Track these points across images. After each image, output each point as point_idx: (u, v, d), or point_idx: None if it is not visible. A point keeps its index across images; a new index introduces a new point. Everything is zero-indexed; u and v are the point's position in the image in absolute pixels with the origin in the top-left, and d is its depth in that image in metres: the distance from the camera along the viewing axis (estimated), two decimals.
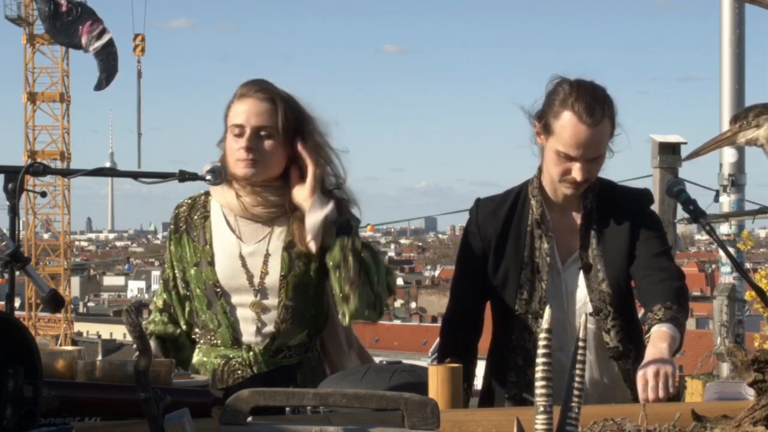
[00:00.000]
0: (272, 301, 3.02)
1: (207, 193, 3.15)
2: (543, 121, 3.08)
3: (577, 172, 3.05)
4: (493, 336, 3.21)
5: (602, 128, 3.04)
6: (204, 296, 3.05)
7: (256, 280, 3.02)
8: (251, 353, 3.01)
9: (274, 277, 3.01)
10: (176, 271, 3.13)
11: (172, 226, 3.17)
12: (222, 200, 3.09)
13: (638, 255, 3.10)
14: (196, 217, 3.13)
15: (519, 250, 3.13)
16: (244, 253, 3.04)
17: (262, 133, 3.00)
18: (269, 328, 3.02)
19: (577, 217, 3.15)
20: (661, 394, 2.66)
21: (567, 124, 3.02)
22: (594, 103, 3.03)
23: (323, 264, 3.01)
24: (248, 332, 3.03)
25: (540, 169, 3.18)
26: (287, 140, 3.01)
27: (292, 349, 3.04)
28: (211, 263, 3.05)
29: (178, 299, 3.13)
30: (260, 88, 3.05)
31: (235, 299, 3.03)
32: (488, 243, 3.16)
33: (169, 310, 3.15)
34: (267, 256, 3.03)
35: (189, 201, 3.18)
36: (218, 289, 3.03)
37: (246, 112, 3.01)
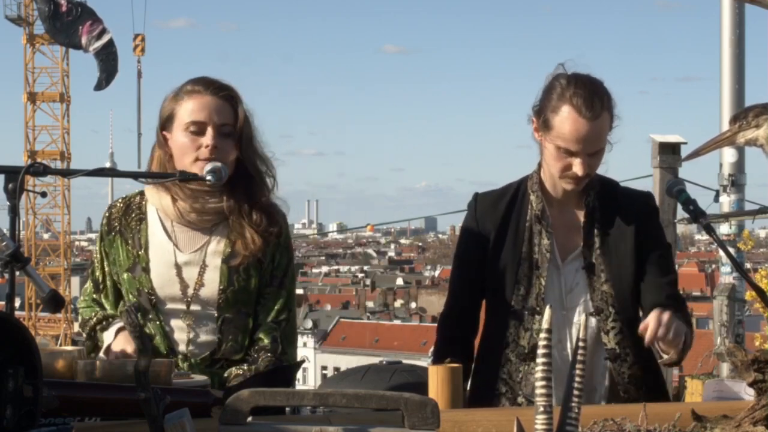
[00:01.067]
0: (207, 312, 2.94)
1: (142, 194, 3.07)
2: (541, 117, 3.06)
3: (578, 167, 3.03)
4: (486, 331, 3.19)
5: (602, 121, 3.02)
6: (137, 303, 2.96)
7: (190, 291, 2.93)
8: (186, 363, 2.92)
9: (210, 290, 2.93)
10: (107, 275, 3.03)
11: (104, 228, 3.06)
12: (157, 204, 3.01)
13: (646, 283, 3.11)
14: (131, 218, 3.02)
15: (517, 245, 3.11)
16: (180, 262, 2.95)
17: (224, 131, 2.94)
18: (203, 338, 2.94)
19: (577, 215, 3.14)
20: (661, 332, 2.80)
21: (566, 118, 3.00)
22: (592, 96, 3.02)
23: (262, 278, 2.97)
24: (182, 342, 2.94)
25: (539, 165, 3.17)
26: (239, 143, 2.95)
27: (231, 361, 2.95)
28: (146, 270, 2.96)
29: (108, 302, 3.02)
30: (219, 85, 2.98)
31: (168, 308, 2.95)
32: (487, 237, 3.13)
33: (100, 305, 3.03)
34: (204, 267, 2.94)
35: (122, 201, 3.08)
36: (152, 297, 2.95)
37: (207, 108, 2.94)
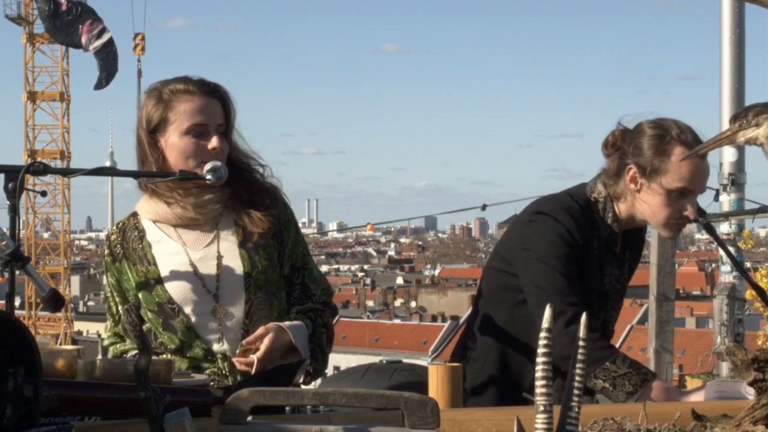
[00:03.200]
0: (235, 303, 2.89)
1: (134, 215, 3.01)
2: (648, 165, 3.04)
3: (690, 209, 3.05)
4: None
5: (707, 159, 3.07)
6: (158, 317, 2.90)
7: (214, 285, 2.89)
8: (226, 363, 2.86)
9: (233, 278, 2.89)
10: (118, 305, 2.97)
11: (107, 258, 2.99)
12: (153, 215, 2.95)
13: None
14: (131, 240, 2.96)
15: (592, 273, 3.12)
16: (194, 260, 2.91)
17: (221, 130, 2.92)
18: (235, 332, 2.89)
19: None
20: None
21: (682, 157, 3.00)
22: (697, 133, 3.06)
23: (281, 255, 2.95)
24: (215, 341, 2.89)
25: (608, 198, 3.13)
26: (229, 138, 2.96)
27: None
28: (159, 281, 2.90)
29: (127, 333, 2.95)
30: (212, 85, 2.96)
31: (194, 310, 2.89)
32: (583, 258, 3.09)
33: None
34: (220, 258, 2.90)
35: (117, 227, 3.02)
36: (173, 306, 2.88)
37: (206, 111, 2.91)
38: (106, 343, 3.07)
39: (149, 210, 2.96)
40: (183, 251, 2.92)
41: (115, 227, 3.03)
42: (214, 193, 2.92)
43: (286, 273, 2.98)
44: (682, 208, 3.05)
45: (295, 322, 2.86)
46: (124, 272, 2.95)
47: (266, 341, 2.74)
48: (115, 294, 2.98)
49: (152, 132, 2.94)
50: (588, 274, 3.09)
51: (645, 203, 3.08)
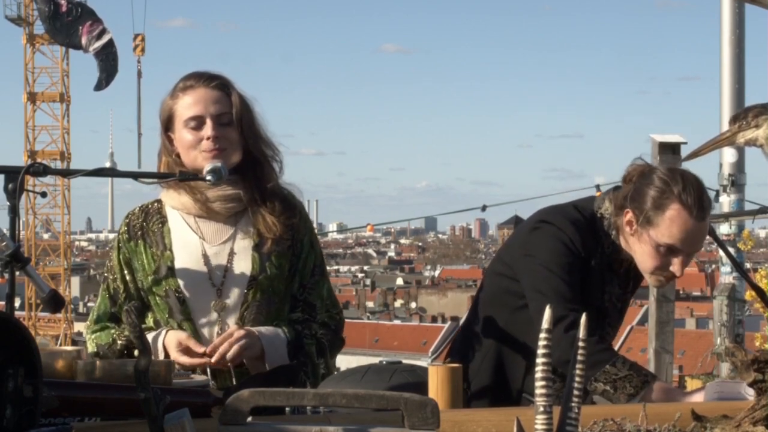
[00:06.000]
0: (236, 302, 2.92)
1: (159, 201, 3.05)
2: (643, 212, 2.99)
3: (677, 267, 3.00)
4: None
5: (708, 221, 3.01)
6: (165, 305, 2.94)
7: (219, 280, 2.93)
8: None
9: (240, 278, 2.93)
10: (128, 283, 2.98)
11: (124, 235, 3.01)
12: (177, 203, 2.99)
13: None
14: (152, 223, 3.00)
15: (593, 288, 3.10)
16: (209, 253, 2.95)
17: (223, 120, 2.95)
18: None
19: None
20: None
21: (677, 217, 2.95)
22: (702, 194, 2.98)
23: (292, 266, 2.98)
24: (213, 336, 2.91)
25: (617, 229, 3.10)
26: (240, 128, 2.97)
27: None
28: (171, 268, 2.93)
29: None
30: (208, 76, 3.00)
31: (197, 302, 2.92)
32: (584, 271, 3.07)
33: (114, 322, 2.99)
34: (232, 254, 2.94)
35: (139, 209, 3.05)
36: (179, 295, 2.92)
37: (201, 101, 2.96)
38: (89, 334, 3.01)
39: (173, 198, 3.01)
40: (199, 243, 2.96)
41: (137, 208, 3.07)
42: (223, 190, 2.95)
43: (295, 289, 3.01)
44: (668, 264, 3.01)
45: (269, 328, 2.90)
46: (138, 252, 2.99)
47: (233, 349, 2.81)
48: (125, 271, 2.99)
49: (167, 130, 3.02)
50: (588, 289, 3.07)
51: (634, 249, 3.06)
